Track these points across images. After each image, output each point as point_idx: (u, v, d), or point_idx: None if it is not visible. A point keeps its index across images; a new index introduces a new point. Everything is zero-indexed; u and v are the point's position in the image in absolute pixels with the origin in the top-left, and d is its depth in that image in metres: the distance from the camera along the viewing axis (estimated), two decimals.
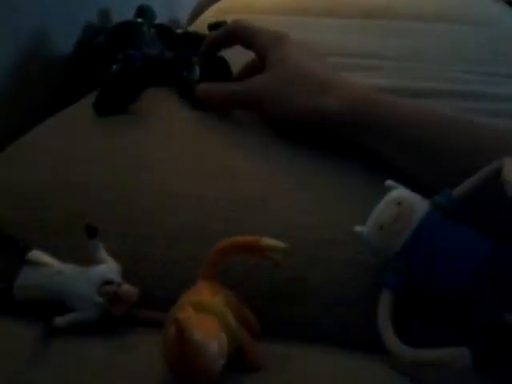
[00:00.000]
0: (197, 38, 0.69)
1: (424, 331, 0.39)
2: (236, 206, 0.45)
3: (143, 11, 0.77)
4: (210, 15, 1.14)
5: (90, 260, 0.40)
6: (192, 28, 1.06)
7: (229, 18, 1.06)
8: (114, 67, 0.55)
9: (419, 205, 0.38)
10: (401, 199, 0.38)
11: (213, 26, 0.63)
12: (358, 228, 0.38)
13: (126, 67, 0.54)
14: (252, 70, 0.57)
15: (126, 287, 0.38)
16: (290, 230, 0.43)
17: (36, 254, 0.41)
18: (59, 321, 0.37)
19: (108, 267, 0.40)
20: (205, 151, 0.53)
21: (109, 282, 0.38)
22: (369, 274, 0.40)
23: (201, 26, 1.06)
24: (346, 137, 0.48)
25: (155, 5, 1.02)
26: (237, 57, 0.61)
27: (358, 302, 0.40)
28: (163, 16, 1.05)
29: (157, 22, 0.81)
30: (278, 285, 0.40)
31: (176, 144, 0.54)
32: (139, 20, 0.71)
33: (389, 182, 0.39)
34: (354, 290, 0.40)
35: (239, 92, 0.53)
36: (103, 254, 0.40)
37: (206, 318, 0.33)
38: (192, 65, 0.62)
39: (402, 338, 0.36)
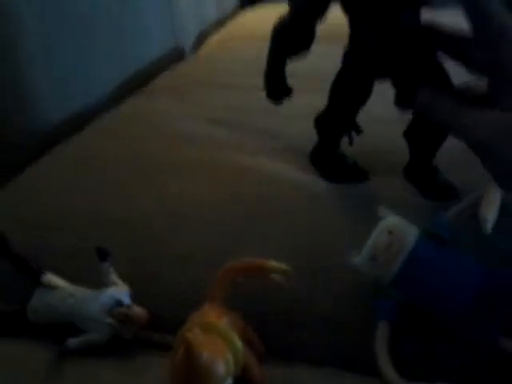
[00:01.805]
0: None
1: (421, 356, 0.39)
2: (243, 228, 0.47)
3: None
4: (215, 42, 1.17)
5: (100, 282, 0.41)
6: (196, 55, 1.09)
7: (233, 44, 1.09)
8: None
9: (410, 232, 0.39)
10: (392, 227, 0.39)
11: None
12: (351, 257, 0.39)
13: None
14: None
15: (136, 309, 0.40)
16: (294, 253, 0.44)
17: (49, 277, 0.42)
18: (72, 342, 0.39)
19: (118, 289, 0.41)
20: (214, 175, 0.54)
21: (119, 304, 0.40)
22: (371, 296, 0.41)
23: (206, 53, 1.08)
24: None
25: (158, 32, 1.04)
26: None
27: (361, 324, 0.41)
28: (166, 43, 1.08)
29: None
30: (282, 307, 0.42)
31: (185, 167, 0.56)
32: None
33: (381, 210, 0.40)
34: (357, 311, 0.41)
35: (468, 119, 0.43)
36: (113, 276, 0.42)
37: (213, 338, 0.34)
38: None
39: (400, 362, 0.37)
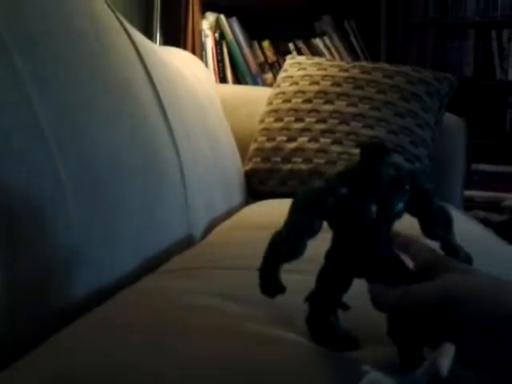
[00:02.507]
0: None
1: None
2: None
3: None
4: (223, 230, 1.32)
5: None
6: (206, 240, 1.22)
7: (237, 233, 1.23)
8: None
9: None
10: (375, 380, 0.48)
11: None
12: None
13: None
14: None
15: None
16: None
17: None
18: None
19: None
20: (223, 339, 0.63)
21: None
22: None
23: (213, 240, 1.22)
24: None
25: (173, 220, 1.18)
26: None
27: None
28: (181, 231, 1.22)
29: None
30: None
31: (196, 333, 0.65)
32: None
33: (365, 367, 0.49)
34: None
35: (419, 290, 0.53)
36: None
37: None
38: None
39: None
